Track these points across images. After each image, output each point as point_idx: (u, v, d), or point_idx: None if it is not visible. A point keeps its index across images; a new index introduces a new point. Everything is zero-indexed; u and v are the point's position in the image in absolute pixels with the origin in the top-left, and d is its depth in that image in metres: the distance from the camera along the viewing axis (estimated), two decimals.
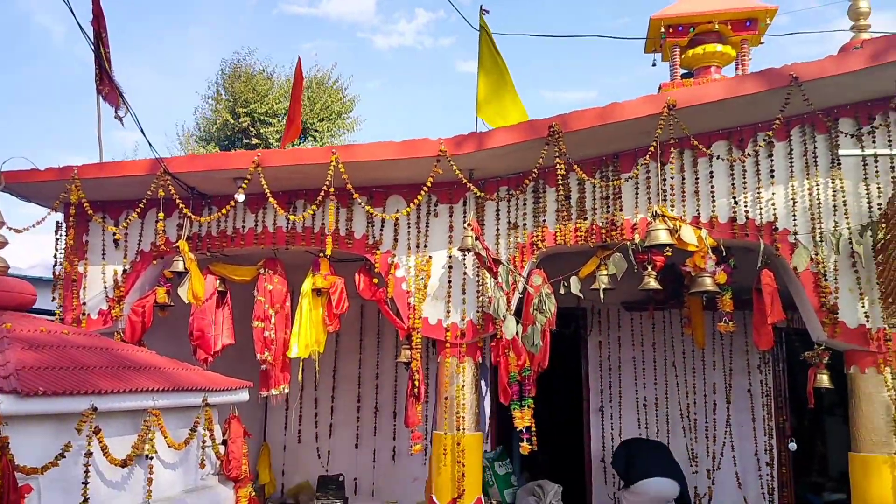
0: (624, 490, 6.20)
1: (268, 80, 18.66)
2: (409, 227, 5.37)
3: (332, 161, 4.99)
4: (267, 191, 5.14)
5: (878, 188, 4.74)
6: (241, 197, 5.15)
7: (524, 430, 4.94)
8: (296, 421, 7.59)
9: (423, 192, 4.93)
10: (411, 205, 5.07)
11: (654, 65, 7.85)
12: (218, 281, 5.73)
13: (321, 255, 5.45)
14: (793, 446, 6.84)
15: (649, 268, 5.05)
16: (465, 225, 4.98)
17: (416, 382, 5.25)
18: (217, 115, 17.95)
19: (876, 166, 4.78)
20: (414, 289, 5.27)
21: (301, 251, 5.69)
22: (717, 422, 6.90)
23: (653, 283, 5.03)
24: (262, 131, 17.57)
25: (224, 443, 4.66)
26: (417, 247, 5.34)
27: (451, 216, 5.32)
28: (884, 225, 4.52)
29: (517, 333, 4.92)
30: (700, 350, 6.91)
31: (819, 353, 4.87)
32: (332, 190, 5.11)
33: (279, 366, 5.64)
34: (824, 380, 4.86)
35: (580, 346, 7.36)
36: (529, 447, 4.90)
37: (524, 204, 5.24)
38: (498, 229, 5.24)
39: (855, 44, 4.74)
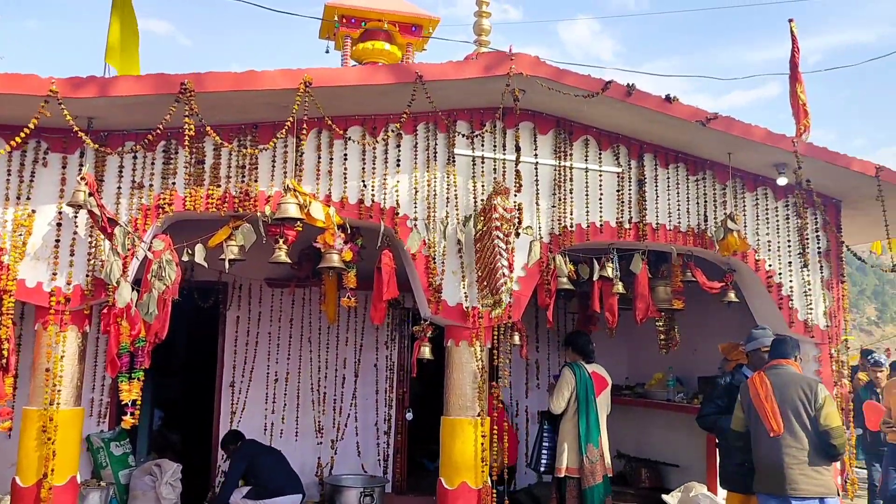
0: (247, 499, 6.05)
1: None
2: (8, 176, 4.67)
3: None
4: None
5: (483, 186, 5.42)
6: None
7: (129, 404, 4.64)
8: None
9: (21, 136, 4.29)
10: (8, 146, 4.39)
11: (327, 51, 8.04)
12: None
13: None
14: (409, 416, 7.52)
15: (280, 241, 5.12)
16: (79, 178, 4.49)
17: (5, 352, 4.60)
18: None
19: (482, 167, 5.46)
20: (10, 246, 4.60)
21: None
22: (344, 395, 7.27)
23: (283, 256, 5.10)
24: None
25: None
26: (18, 198, 4.67)
27: (64, 167, 4.76)
28: (482, 218, 5.20)
29: (132, 301, 4.60)
30: (333, 326, 7.22)
31: (424, 327, 5.41)
32: None
33: None
34: (426, 351, 5.41)
35: (218, 321, 7.17)
36: (132, 421, 4.62)
37: (152, 163, 4.91)
38: (120, 188, 4.84)
39: (474, 55, 5.36)
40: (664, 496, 5.93)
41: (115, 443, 6.47)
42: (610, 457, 5.74)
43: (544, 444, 5.83)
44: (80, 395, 4.78)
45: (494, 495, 5.28)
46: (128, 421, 4.68)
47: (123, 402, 4.70)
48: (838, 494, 4.48)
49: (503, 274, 5.00)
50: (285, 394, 7.12)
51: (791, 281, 5.91)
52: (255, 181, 5.01)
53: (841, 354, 5.90)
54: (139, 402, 4.74)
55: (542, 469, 5.90)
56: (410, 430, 7.90)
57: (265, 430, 6.98)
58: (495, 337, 5.40)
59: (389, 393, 7.42)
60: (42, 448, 4.50)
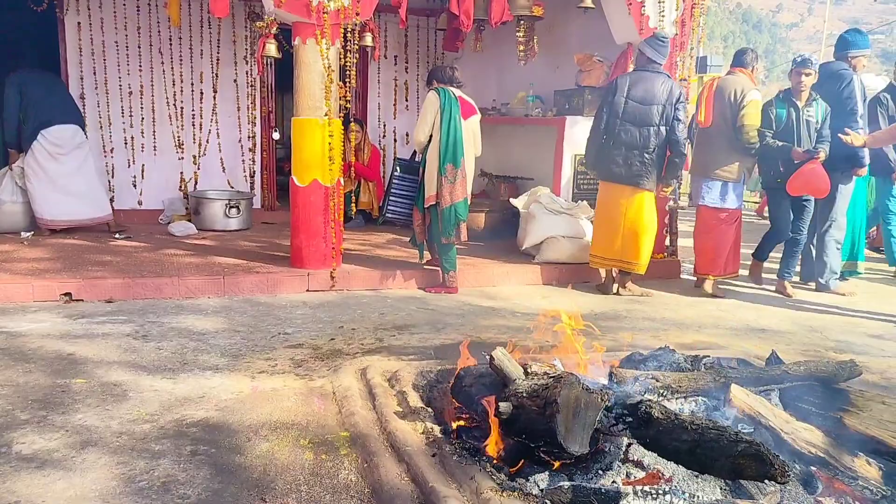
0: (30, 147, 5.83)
1: None
2: None
3: None
4: None
5: None
6: None
7: None
8: None
9: None
10: None
11: None
12: None
13: None
14: (276, 136, 7.50)
15: None
16: None
17: None
18: None
19: None
20: None
21: None
22: (203, 110, 7.09)
23: None
24: None
25: None
26: None
27: None
28: None
29: None
30: (187, 38, 6.82)
31: (268, 23, 5.15)
32: None
33: None
34: (272, 49, 5.21)
35: (57, 28, 6.62)
36: None
37: None
38: None
39: None
40: (512, 200, 6.32)
41: None
42: (471, 183, 5.24)
43: (392, 190, 5.39)
44: None
45: (350, 196, 5.46)
46: None
47: None
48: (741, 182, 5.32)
49: None
50: (141, 107, 6.88)
51: None
52: None
53: (686, 67, 6.07)
54: None
55: (388, 216, 5.43)
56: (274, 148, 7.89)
57: (125, 143, 6.85)
58: (345, 37, 5.21)
59: (253, 111, 7.28)
60: None
